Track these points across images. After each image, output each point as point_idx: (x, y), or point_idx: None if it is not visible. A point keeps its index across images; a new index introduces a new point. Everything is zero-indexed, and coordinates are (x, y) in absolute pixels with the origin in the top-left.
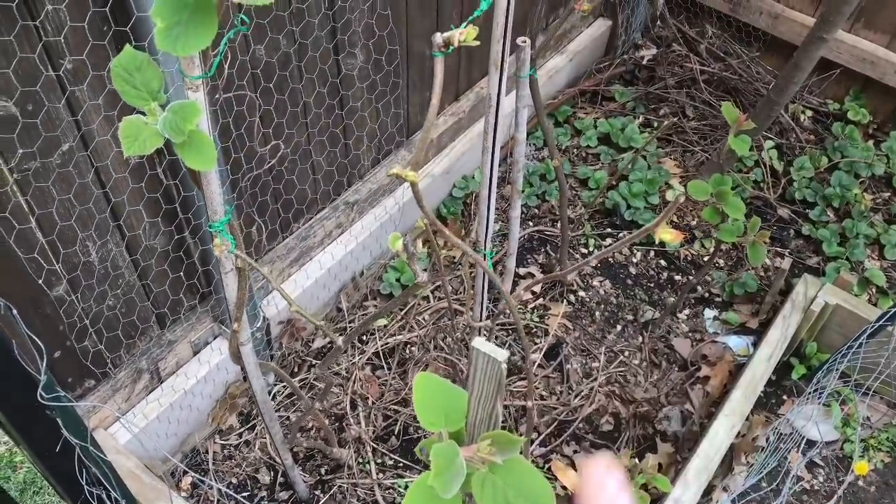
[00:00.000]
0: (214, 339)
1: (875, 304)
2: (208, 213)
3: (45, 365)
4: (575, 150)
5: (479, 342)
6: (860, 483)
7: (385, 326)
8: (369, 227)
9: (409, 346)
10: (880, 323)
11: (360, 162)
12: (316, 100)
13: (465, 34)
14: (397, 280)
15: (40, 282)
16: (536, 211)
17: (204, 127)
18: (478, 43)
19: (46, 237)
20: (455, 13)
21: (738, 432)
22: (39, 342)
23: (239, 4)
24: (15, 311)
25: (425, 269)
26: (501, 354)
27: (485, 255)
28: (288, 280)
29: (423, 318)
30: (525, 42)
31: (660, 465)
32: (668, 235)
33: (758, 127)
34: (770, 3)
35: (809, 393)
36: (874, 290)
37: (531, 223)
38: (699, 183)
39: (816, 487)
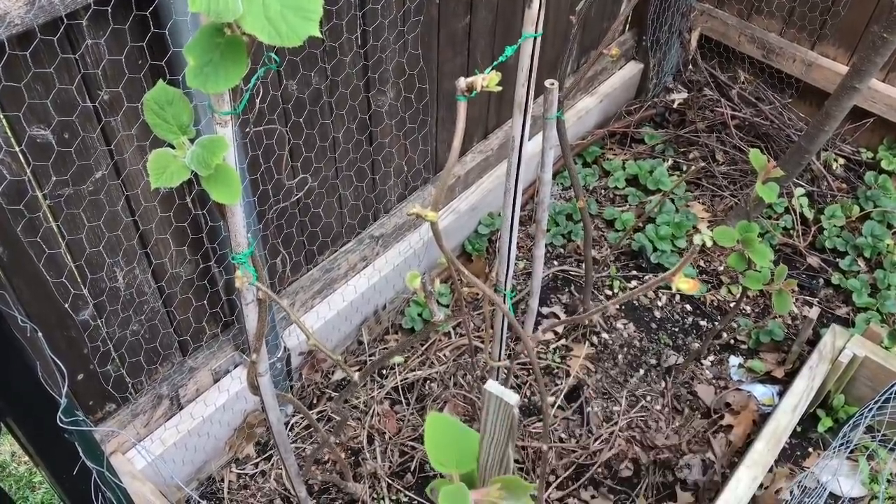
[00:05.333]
0: (235, 367)
1: None
2: (232, 245)
3: (66, 388)
4: (602, 190)
5: (491, 385)
6: None
7: (405, 361)
8: (393, 261)
9: (428, 381)
10: None
11: (387, 197)
12: (345, 135)
13: (487, 80)
14: (419, 315)
15: (66, 306)
16: (562, 251)
17: (231, 161)
18: (500, 89)
19: (75, 262)
20: (486, 52)
21: (761, 484)
22: (62, 365)
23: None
24: (40, 334)
25: (447, 305)
26: (513, 398)
27: (504, 295)
28: (310, 311)
29: (444, 355)
30: (553, 84)
31: None
32: (684, 285)
33: (787, 174)
34: (804, 51)
35: (836, 447)
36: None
37: (556, 262)
38: (725, 229)
39: None
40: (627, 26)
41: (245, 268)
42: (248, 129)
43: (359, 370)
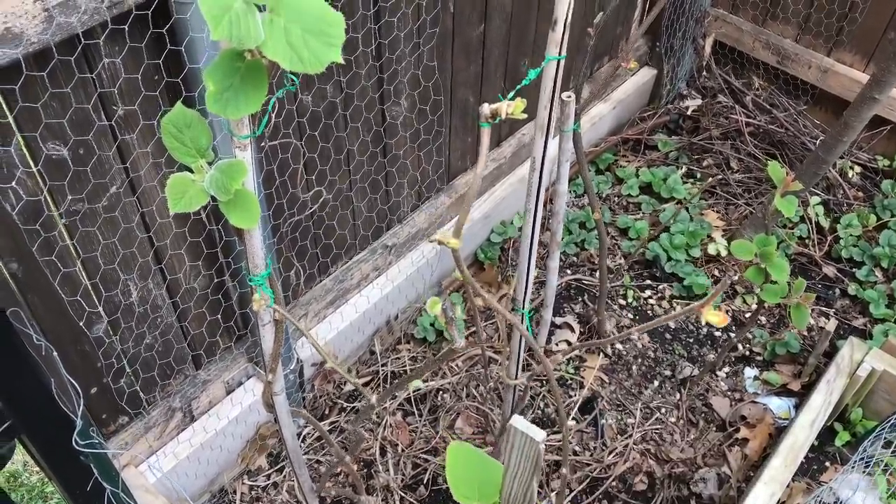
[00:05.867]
0: (248, 379)
1: None
2: (249, 266)
3: (81, 409)
4: (616, 198)
5: (517, 421)
6: None
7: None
8: (406, 270)
9: (441, 392)
10: None
11: (400, 207)
12: (360, 147)
13: (512, 107)
14: (431, 325)
15: (81, 323)
16: (575, 259)
17: (250, 185)
18: (525, 116)
19: (90, 279)
20: (500, 61)
21: (778, 500)
22: (77, 384)
23: None
24: (55, 353)
25: (466, 318)
26: (539, 434)
27: (522, 314)
28: (323, 322)
29: (457, 365)
30: (570, 97)
31: None
32: (714, 318)
33: (804, 185)
34: (819, 57)
35: (855, 461)
36: None
37: (569, 271)
38: (743, 243)
39: None
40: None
41: (263, 289)
42: (263, 144)
43: (368, 383)
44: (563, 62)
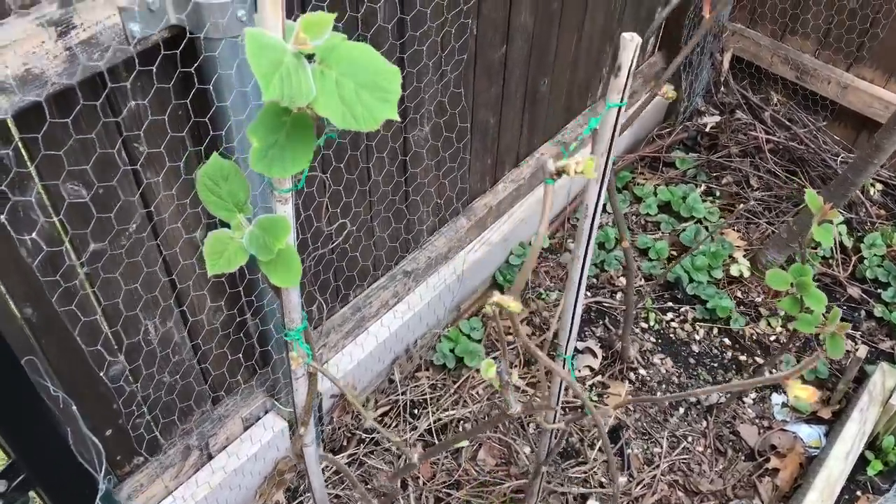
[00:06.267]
0: (266, 413)
1: None
2: (285, 321)
3: (103, 469)
4: (634, 216)
5: None
6: None
7: (438, 401)
8: (426, 296)
9: (462, 422)
10: None
11: (421, 233)
12: (384, 177)
13: (582, 164)
14: (451, 350)
15: (100, 370)
16: (595, 281)
17: (292, 241)
18: (595, 175)
19: (111, 328)
20: (520, 82)
21: None
22: (97, 440)
23: None
24: (75, 407)
25: (479, 340)
26: None
27: (564, 360)
28: (342, 352)
29: (477, 393)
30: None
31: None
32: (802, 393)
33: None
34: (839, 73)
35: (888, 492)
36: None
37: (589, 293)
38: (778, 273)
39: None
40: (657, 48)
41: (300, 345)
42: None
43: (387, 412)
44: (622, 109)
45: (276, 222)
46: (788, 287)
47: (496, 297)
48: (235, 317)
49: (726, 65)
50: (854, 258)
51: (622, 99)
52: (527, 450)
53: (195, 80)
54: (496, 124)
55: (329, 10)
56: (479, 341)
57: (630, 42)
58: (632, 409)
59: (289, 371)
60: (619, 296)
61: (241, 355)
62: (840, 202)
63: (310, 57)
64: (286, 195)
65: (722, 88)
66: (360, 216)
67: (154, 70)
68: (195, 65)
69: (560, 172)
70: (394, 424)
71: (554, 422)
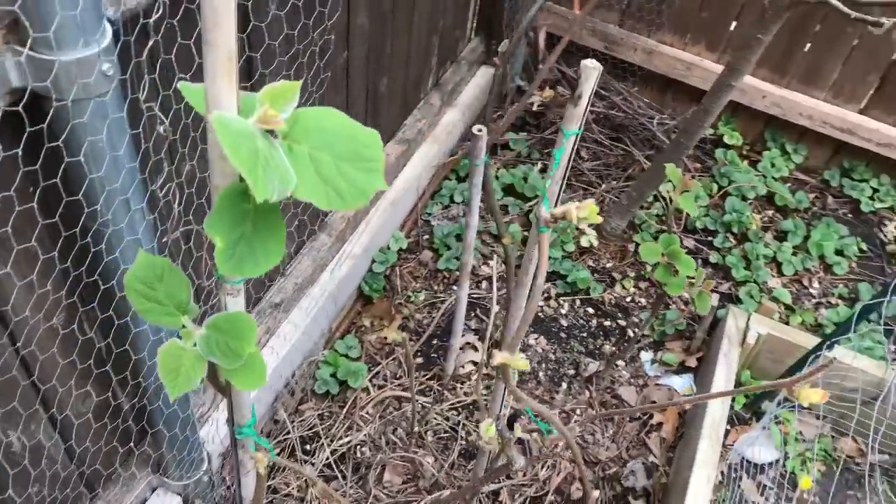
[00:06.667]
0: (153, 492)
1: (787, 323)
2: (235, 417)
3: None
4: (482, 203)
5: None
6: (805, 496)
7: (329, 430)
8: (301, 324)
9: (359, 447)
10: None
11: (282, 259)
12: None
13: (585, 210)
14: (332, 375)
15: None
16: (457, 273)
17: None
18: (601, 220)
19: None
20: (363, 86)
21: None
22: None
23: None
24: None
25: (358, 358)
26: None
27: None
28: (220, 406)
29: (367, 413)
30: (481, 131)
31: None
32: (815, 396)
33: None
34: (644, 40)
35: (767, 422)
36: (782, 308)
37: (454, 287)
38: (651, 245)
39: None
40: (474, 32)
41: (259, 441)
42: (165, 239)
43: (278, 454)
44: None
45: (238, 321)
46: (660, 257)
47: (498, 357)
48: (110, 402)
49: (542, 43)
50: (685, 212)
51: (579, 127)
52: (430, 459)
53: (45, 138)
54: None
55: None
56: (358, 359)
57: (592, 70)
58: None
59: (185, 448)
60: (483, 285)
61: (117, 442)
62: (679, 166)
63: (274, 135)
64: (238, 287)
65: (541, 66)
66: None
67: None
68: (46, 120)
69: (557, 220)
70: (284, 471)
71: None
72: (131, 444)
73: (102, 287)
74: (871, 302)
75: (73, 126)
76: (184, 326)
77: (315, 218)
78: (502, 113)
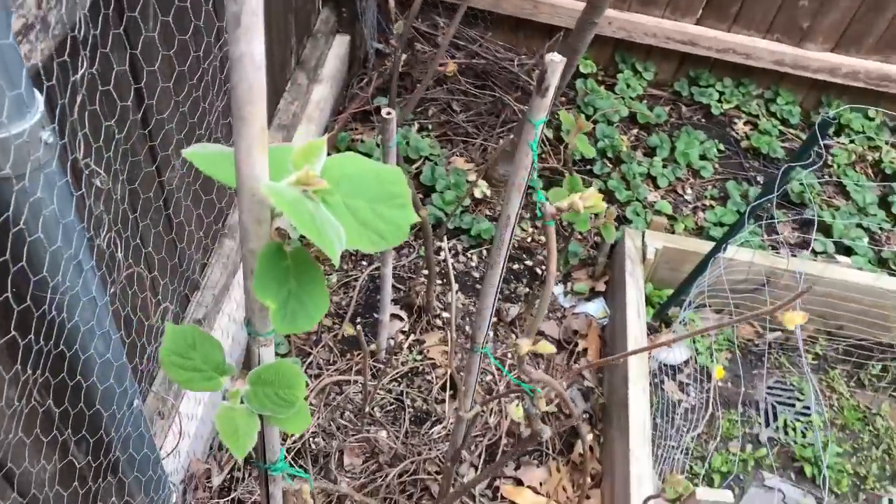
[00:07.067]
0: None
1: (672, 232)
2: (267, 456)
3: None
4: None
5: (703, 492)
6: (720, 384)
7: None
8: (228, 329)
9: (312, 439)
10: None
11: (195, 272)
12: (155, 239)
13: (589, 199)
14: None
15: None
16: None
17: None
18: (605, 206)
19: None
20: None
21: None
22: None
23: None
24: None
25: (285, 354)
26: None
27: (483, 353)
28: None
29: (311, 403)
30: (391, 114)
31: (590, 448)
32: (799, 319)
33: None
34: None
35: (680, 321)
36: (665, 219)
37: (364, 262)
38: (558, 190)
39: (693, 403)
40: (322, 3)
41: (293, 472)
42: (112, 290)
43: (232, 469)
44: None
45: (283, 370)
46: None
47: (524, 346)
48: (74, 464)
49: (392, 2)
50: (562, 147)
51: (546, 116)
52: (383, 434)
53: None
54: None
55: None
56: (287, 354)
57: (558, 64)
58: (449, 352)
59: (157, 488)
60: (426, 264)
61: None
62: (551, 106)
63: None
64: (271, 337)
65: (394, 26)
66: (177, 294)
67: None
68: (23, 216)
69: (561, 212)
70: (248, 475)
71: (469, 410)
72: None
73: (69, 354)
74: (758, 201)
75: (31, 204)
76: (227, 387)
77: (218, 223)
78: (368, 79)
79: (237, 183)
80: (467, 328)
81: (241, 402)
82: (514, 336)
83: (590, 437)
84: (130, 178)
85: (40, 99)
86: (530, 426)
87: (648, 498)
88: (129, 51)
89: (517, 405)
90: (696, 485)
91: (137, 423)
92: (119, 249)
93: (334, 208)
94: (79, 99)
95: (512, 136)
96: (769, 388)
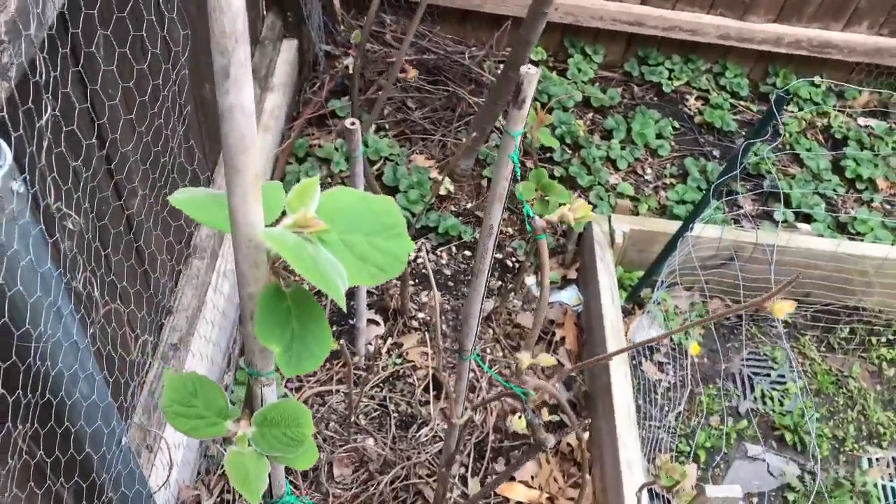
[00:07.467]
0: None
1: (636, 213)
2: (273, 491)
3: None
4: (329, 180)
5: (712, 490)
6: (697, 360)
7: None
8: (206, 352)
9: None
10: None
11: (166, 296)
12: (129, 272)
13: (579, 211)
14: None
15: None
16: None
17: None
18: (593, 216)
19: None
20: (191, 96)
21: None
22: None
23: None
24: None
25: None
26: (736, 490)
27: (472, 359)
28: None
29: None
30: (355, 124)
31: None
32: (787, 307)
33: (500, 105)
34: None
35: (653, 302)
36: (628, 201)
37: None
38: (527, 184)
39: (672, 381)
40: (265, 9)
41: (300, 502)
42: (91, 330)
43: (222, 491)
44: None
45: (289, 409)
46: (535, 193)
47: (526, 359)
48: None
49: (337, 3)
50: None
51: (523, 128)
52: (370, 442)
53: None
54: (202, 154)
55: None
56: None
57: (533, 76)
58: (431, 352)
59: None
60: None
61: None
62: (506, 98)
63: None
64: (272, 378)
65: (342, 27)
66: (153, 322)
67: None
68: (1, 272)
69: (551, 224)
70: (239, 497)
71: (461, 417)
72: None
73: (55, 402)
74: (721, 179)
75: (8, 258)
76: (232, 431)
77: (183, 243)
78: (320, 83)
79: (233, 231)
80: (443, 327)
81: (249, 444)
82: (491, 331)
83: (586, 435)
84: (99, 215)
85: (7, 150)
86: (533, 436)
87: (643, 486)
88: (88, 86)
89: (520, 417)
90: (682, 463)
91: (127, 460)
92: (95, 289)
93: (332, 246)
94: (45, 144)
95: (474, 133)
96: (744, 359)
